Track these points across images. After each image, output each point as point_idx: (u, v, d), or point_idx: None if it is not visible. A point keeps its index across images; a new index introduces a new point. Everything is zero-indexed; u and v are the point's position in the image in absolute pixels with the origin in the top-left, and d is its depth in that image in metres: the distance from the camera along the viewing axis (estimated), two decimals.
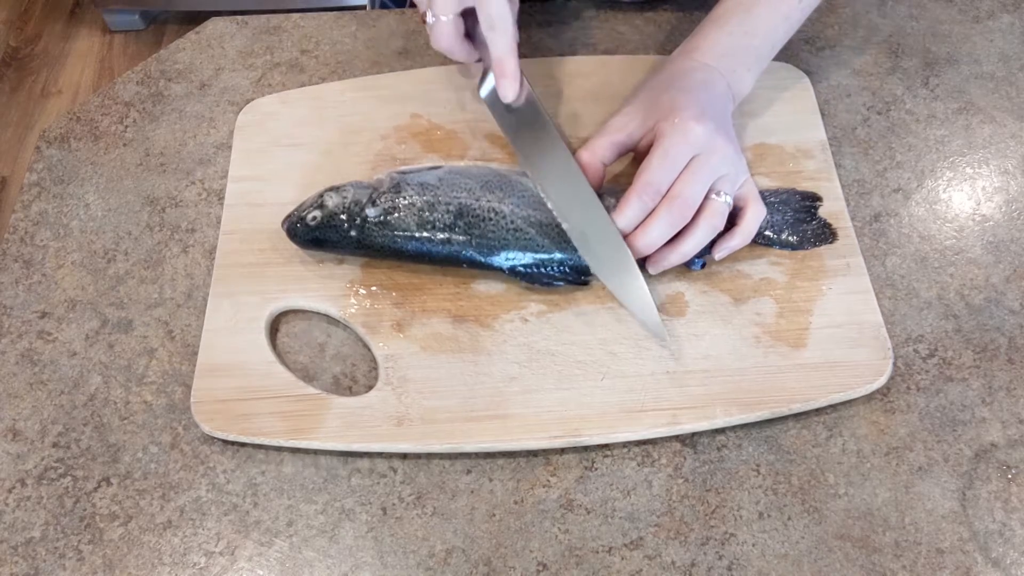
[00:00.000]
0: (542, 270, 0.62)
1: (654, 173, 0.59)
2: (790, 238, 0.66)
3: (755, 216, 0.63)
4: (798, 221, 0.67)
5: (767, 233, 0.66)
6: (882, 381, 0.60)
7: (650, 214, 0.60)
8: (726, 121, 0.63)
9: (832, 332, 0.62)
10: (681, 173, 0.59)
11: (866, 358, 0.61)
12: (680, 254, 0.61)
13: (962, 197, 0.70)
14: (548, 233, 0.62)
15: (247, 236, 0.67)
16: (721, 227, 0.61)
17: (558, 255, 0.62)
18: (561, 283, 0.63)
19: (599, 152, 0.63)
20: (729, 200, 0.61)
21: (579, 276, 0.63)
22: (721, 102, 0.64)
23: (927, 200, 0.70)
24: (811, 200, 0.68)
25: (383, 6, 0.90)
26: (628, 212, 0.59)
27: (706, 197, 0.60)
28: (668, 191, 0.59)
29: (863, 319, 0.63)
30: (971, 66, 0.78)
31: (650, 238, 0.60)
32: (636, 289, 0.61)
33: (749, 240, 0.63)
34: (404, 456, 0.59)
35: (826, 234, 0.66)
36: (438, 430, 0.58)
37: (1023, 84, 0.77)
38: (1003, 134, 0.74)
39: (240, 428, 0.59)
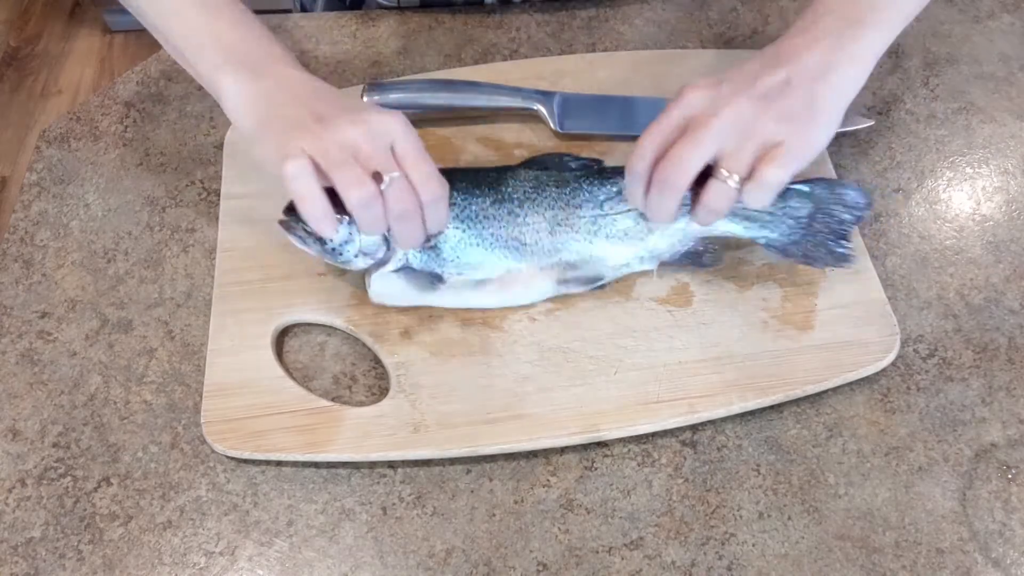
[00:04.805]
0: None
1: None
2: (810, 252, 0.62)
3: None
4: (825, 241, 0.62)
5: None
6: (891, 357, 0.61)
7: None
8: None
9: (838, 312, 0.62)
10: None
11: (874, 335, 0.61)
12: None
13: (962, 197, 0.70)
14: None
15: (245, 253, 0.66)
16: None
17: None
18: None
19: None
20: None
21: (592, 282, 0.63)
22: None
23: (927, 200, 0.70)
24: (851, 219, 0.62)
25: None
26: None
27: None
28: None
29: (868, 297, 0.63)
30: (971, 66, 0.78)
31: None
32: None
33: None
34: None
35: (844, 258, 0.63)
36: (456, 434, 0.58)
37: (1023, 84, 0.77)
38: (1003, 134, 0.74)
39: (255, 446, 0.58)
